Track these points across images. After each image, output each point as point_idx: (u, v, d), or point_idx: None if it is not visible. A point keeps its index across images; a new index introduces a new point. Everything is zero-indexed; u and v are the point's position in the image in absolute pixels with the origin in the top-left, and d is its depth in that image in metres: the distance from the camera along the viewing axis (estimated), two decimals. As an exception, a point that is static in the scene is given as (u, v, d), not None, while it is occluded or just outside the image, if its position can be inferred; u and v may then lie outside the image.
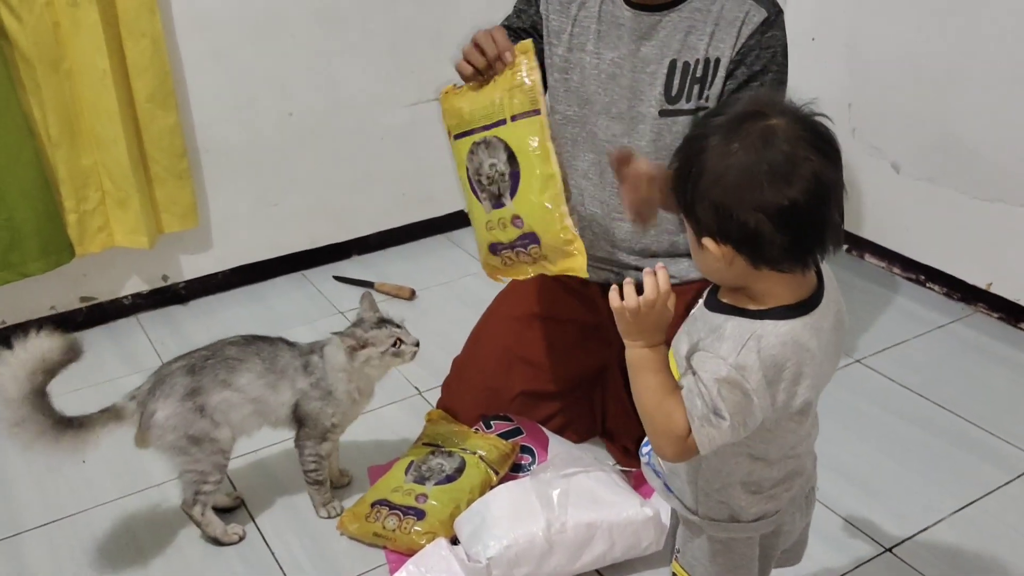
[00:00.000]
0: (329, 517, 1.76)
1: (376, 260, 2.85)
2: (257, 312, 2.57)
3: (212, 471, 1.63)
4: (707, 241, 1.01)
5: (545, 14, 1.72)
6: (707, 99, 1.63)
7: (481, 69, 1.49)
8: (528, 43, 1.47)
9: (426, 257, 2.85)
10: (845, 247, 2.77)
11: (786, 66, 1.63)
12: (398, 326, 1.67)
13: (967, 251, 2.46)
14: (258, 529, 1.76)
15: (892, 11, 2.48)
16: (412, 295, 2.62)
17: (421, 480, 1.72)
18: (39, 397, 1.48)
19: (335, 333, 1.68)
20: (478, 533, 1.56)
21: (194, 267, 2.61)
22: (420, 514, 1.65)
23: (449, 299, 2.59)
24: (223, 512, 1.77)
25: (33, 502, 1.85)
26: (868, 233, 2.72)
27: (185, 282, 2.61)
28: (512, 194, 1.49)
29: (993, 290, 2.41)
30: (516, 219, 1.50)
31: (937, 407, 2.07)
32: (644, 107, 1.65)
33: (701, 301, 1.12)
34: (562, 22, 1.70)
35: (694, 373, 1.02)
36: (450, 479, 1.71)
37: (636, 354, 1.05)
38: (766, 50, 1.59)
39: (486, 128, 1.49)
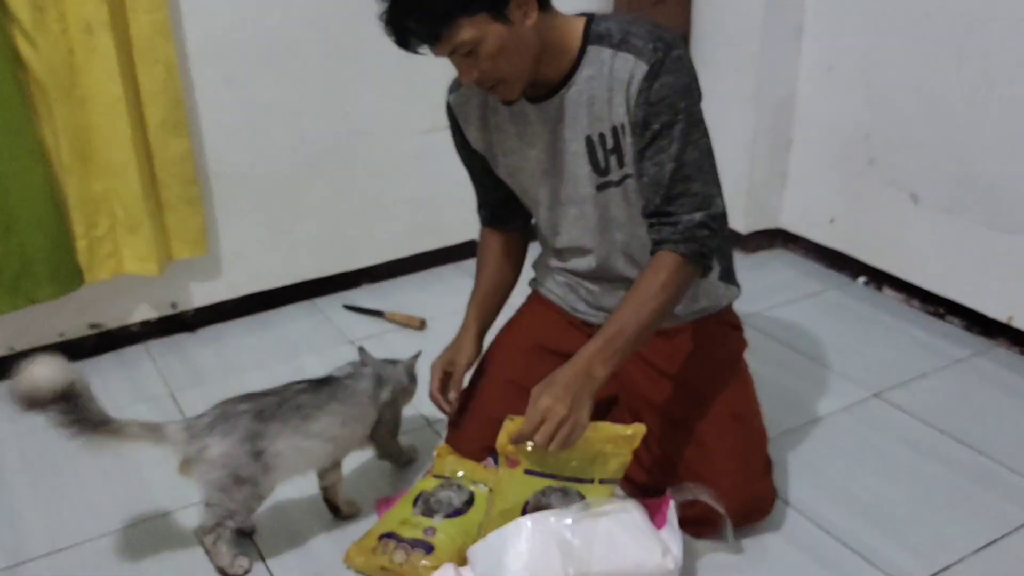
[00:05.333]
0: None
1: (386, 289, 2.83)
2: (266, 340, 2.55)
3: (240, 511, 1.62)
4: None
5: (476, 144, 1.75)
6: (625, 166, 1.60)
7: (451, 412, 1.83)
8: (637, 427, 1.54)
9: (436, 286, 2.83)
10: (863, 279, 2.74)
11: (692, 106, 1.53)
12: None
13: (987, 284, 2.42)
14: (263, 561, 1.73)
15: (909, 41, 2.47)
16: (422, 325, 2.60)
17: (429, 513, 1.69)
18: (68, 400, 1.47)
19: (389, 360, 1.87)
20: (493, 575, 1.52)
21: (203, 294, 2.60)
22: (428, 547, 1.61)
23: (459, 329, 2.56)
24: (237, 534, 1.74)
25: (36, 531, 1.83)
26: (886, 265, 2.68)
27: (194, 309, 2.60)
28: None
29: (1014, 324, 2.37)
30: None
31: (956, 443, 2.03)
32: (583, 188, 1.65)
33: None
34: (487, 138, 1.73)
35: None
36: (459, 512, 1.68)
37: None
38: (658, 104, 1.50)
39: (572, 480, 1.55)
